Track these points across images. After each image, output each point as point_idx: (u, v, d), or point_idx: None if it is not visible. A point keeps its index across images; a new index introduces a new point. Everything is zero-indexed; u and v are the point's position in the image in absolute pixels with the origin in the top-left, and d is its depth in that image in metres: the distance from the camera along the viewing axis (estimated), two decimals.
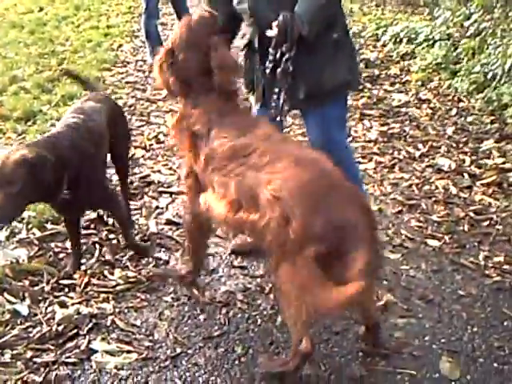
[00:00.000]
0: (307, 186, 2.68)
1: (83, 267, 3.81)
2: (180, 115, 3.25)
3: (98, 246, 4.08)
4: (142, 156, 5.43)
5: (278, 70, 3.30)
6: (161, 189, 4.86)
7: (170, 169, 5.22)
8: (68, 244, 4.00)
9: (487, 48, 6.88)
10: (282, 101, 3.36)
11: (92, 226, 4.30)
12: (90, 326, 3.32)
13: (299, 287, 2.65)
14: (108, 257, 3.93)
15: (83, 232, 4.13)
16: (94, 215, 4.38)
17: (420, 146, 5.64)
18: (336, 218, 2.61)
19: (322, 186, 2.69)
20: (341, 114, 3.75)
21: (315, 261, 2.58)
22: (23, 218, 4.30)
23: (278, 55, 3.28)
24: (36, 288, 3.63)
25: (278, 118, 3.39)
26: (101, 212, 4.35)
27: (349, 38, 3.68)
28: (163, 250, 4.06)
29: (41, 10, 13.41)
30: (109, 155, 4.11)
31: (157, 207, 4.59)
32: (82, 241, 4.04)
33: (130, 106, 6.61)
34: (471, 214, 4.48)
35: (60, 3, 14.05)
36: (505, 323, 3.37)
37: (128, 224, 4.05)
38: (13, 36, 10.33)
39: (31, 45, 9.61)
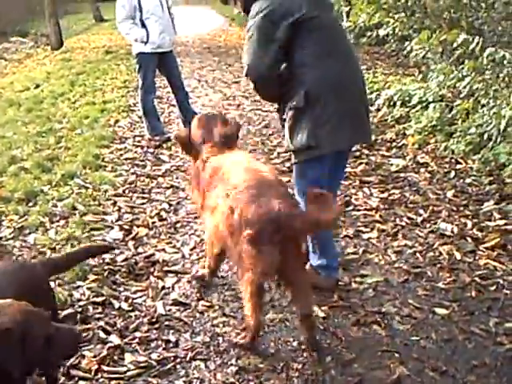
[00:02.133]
0: (248, 187, 3.63)
1: (92, 354, 3.78)
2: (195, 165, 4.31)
3: (105, 331, 4.03)
4: (146, 234, 5.40)
5: None
6: (166, 268, 4.82)
7: (174, 247, 5.19)
8: None
9: (482, 108, 6.96)
10: None
11: (98, 309, 4.28)
12: None
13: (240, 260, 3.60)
14: (117, 341, 3.90)
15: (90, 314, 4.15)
16: (98, 299, 4.37)
17: (421, 211, 5.65)
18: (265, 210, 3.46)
19: (259, 187, 3.62)
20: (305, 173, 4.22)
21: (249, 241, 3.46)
22: None
23: None
24: None
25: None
26: None
27: (315, 107, 3.99)
28: (172, 331, 4.02)
29: (37, 86, 13.57)
30: None
31: (163, 287, 4.55)
32: (89, 326, 4.04)
33: (131, 183, 6.63)
34: (477, 280, 4.48)
35: (55, 79, 14.21)
36: None
37: None
38: (11, 115, 10.44)
39: (29, 123, 9.69)
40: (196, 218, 5.71)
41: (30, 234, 5.52)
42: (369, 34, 14.05)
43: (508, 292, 4.30)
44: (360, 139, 4.64)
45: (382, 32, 9.93)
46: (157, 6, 7.87)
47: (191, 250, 5.15)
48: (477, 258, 4.80)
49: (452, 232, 5.21)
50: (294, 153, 4.21)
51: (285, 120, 4.16)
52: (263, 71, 4.04)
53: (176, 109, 8.98)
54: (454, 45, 7.26)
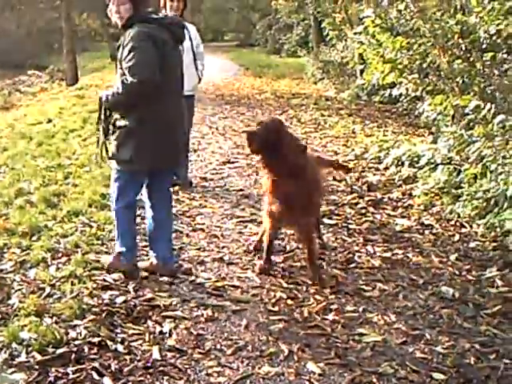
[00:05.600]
0: None
1: None
2: None
3: (98, 372, 4.00)
4: (146, 278, 5.38)
5: None
6: (165, 313, 4.77)
7: (174, 292, 5.17)
8: (69, 369, 3.96)
9: (490, 174, 6.97)
10: None
11: (94, 350, 4.25)
12: None
13: None
14: None
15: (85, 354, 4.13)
16: (94, 339, 4.34)
17: (423, 273, 5.63)
18: None
19: None
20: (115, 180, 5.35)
21: None
22: (23, 340, 4.25)
23: None
24: None
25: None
26: None
27: (145, 129, 5.06)
28: (166, 378, 3.97)
29: (49, 121, 13.71)
30: None
31: (160, 332, 4.50)
32: (82, 366, 4.00)
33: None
34: (477, 346, 4.41)
35: (68, 115, 14.36)
36: None
37: None
38: (21, 147, 10.52)
39: (38, 157, 9.77)
40: (198, 263, 5.71)
41: (30, 268, 5.51)
42: (381, 92, 14.19)
43: (508, 361, 4.22)
44: (172, 165, 5.70)
45: (394, 92, 10.03)
46: None
47: (192, 295, 5.13)
48: (477, 324, 4.75)
49: (453, 296, 5.18)
50: (117, 162, 5.21)
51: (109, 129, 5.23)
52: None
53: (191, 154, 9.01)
54: (466, 110, 7.33)
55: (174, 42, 5.26)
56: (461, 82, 8.41)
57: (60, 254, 5.79)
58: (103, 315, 4.68)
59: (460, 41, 8.49)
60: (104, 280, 5.28)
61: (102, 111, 5.22)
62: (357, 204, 7.50)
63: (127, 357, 4.19)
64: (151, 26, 5.05)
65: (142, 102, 4.96)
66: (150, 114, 5.03)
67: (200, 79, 8.28)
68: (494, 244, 6.21)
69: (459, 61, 8.40)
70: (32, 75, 27.74)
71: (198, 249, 6.07)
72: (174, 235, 6.30)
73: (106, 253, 5.85)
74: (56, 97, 19.98)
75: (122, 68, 5.05)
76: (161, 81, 4.93)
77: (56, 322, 4.52)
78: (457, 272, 5.67)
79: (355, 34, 11.20)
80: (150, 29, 5.02)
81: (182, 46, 7.86)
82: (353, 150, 10.23)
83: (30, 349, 4.17)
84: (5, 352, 4.15)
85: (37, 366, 4.01)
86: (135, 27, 5.01)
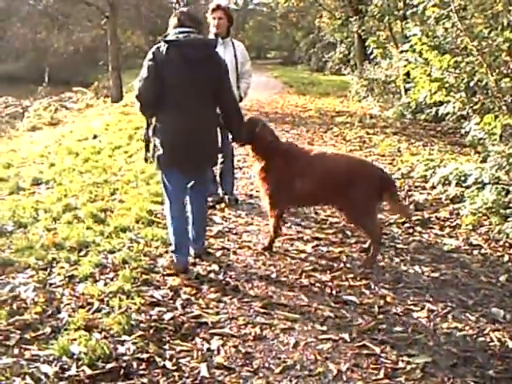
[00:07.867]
0: None
1: None
2: None
3: None
4: (194, 294, 5.40)
5: None
6: (213, 330, 4.78)
7: (222, 309, 5.16)
8: None
9: None
10: None
11: (142, 366, 4.26)
12: None
13: None
14: None
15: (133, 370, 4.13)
16: (143, 355, 4.35)
17: (472, 294, 5.55)
18: None
19: None
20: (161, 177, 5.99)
21: None
22: (73, 354, 4.29)
23: None
24: None
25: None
26: None
27: (157, 135, 5.71)
28: None
29: (95, 137, 13.86)
30: None
31: (208, 349, 4.51)
32: (131, 382, 4.01)
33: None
34: None
35: (113, 132, 14.51)
36: None
37: None
38: (68, 163, 10.65)
39: (85, 173, 9.87)
40: (246, 281, 5.70)
41: (79, 283, 5.57)
42: (426, 111, 14.08)
43: None
44: (191, 174, 6.01)
45: (441, 110, 9.94)
46: None
47: (240, 313, 5.11)
48: None
49: (504, 318, 5.09)
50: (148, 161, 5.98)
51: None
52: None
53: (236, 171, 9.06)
54: None
55: (182, 61, 5.52)
56: (509, 100, 8.31)
57: (108, 270, 5.84)
58: (151, 331, 4.71)
59: (508, 58, 8.40)
60: (152, 296, 5.31)
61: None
62: (404, 223, 7.43)
63: (176, 373, 4.20)
64: (164, 46, 5.51)
65: (148, 112, 5.76)
66: (159, 123, 5.71)
67: (241, 98, 8.14)
68: None
69: (507, 79, 8.30)
70: (78, 92, 28.09)
71: (245, 266, 6.07)
72: (220, 252, 6.34)
73: (153, 270, 5.89)
74: (101, 113, 20.21)
75: None
76: (161, 95, 5.54)
77: (105, 337, 4.56)
78: (507, 293, 5.58)
79: (401, 52, 11.15)
80: (162, 48, 5.50)
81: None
82: (399, 168, 10.15)
83: (80, 363, 4.22)
84: (55, 365, 4.21)
85: (87, 380, 4.05)
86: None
